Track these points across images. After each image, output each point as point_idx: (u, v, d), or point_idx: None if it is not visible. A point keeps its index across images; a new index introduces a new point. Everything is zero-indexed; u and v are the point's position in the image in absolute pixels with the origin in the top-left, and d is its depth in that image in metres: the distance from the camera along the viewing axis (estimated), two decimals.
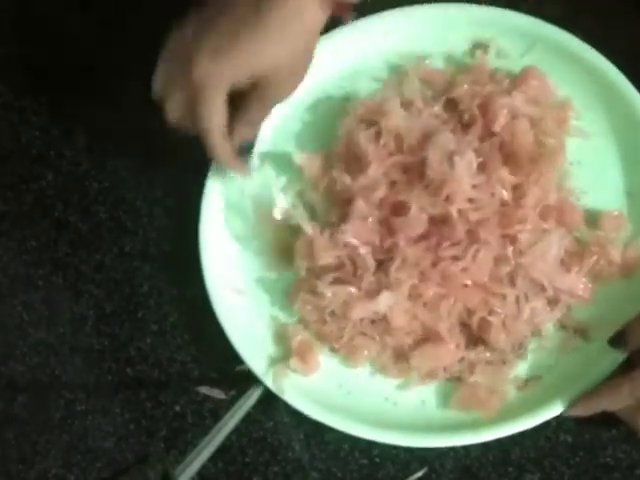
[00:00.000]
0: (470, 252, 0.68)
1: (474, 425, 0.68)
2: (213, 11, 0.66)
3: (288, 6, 0.64)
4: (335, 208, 0.73)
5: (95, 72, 0.83)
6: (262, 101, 0.68)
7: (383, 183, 0.71)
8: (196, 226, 0.74)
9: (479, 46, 0.77)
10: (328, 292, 0.69)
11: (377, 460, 0.70)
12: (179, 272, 0.76)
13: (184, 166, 0.76)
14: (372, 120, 0.74)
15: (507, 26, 0.76)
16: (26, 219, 0.80)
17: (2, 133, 0.83)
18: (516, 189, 0.70)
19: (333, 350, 0.71)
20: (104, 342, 0.76)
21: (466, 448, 0.69)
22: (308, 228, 0.71)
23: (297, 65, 0.67)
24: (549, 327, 0.70)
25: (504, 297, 0.69)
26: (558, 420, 0.68)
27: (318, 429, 0.70)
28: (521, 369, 0.70)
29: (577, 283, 0.70)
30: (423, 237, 0.69)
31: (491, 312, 0.68)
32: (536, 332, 0.70)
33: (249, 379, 0.71)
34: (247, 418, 0.71)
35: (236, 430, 0.71)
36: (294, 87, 0.69)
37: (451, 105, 0.74)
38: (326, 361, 0.72)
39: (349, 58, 0.78)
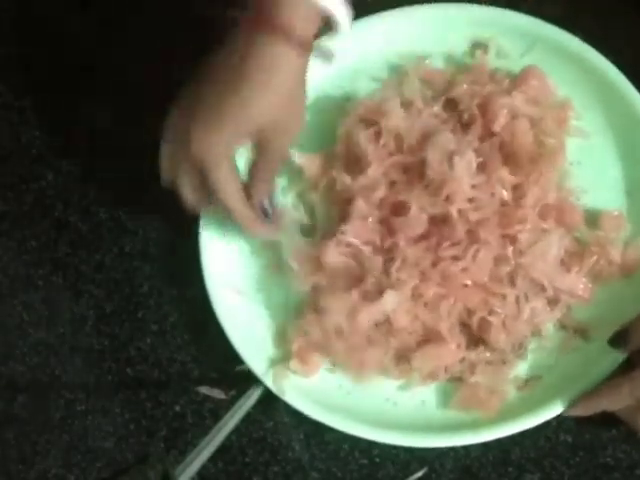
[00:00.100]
0: (470, 252, 0.68)
1: (474, 425, 0.68)
2: (199, 81, 0.65)
3: (265, 61, 0.63)
4: (335, 208, 0.73)
5: (95, 72, 0.83)
6: (267, 156, 0.67)
7: (383, 183, 0.71)
8: (196, 226, 0.74)
9: (479, 46, 0.77)
10: (333, 304, 0.69)
11: (377, 460, 0.70)
12: (179, 272, 0.76)
13: None
14: (372, 120, 0.74)
15: (507, 26, 0.76)
16: (26, 219, 0.80)
17: (2, 133, 0.83)
18: (516, 189, 0.70)
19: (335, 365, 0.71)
20: (104, 342, 0.76)
21: (466, 448, 0.69)
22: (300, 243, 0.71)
23: (290, 114, 0.66)
24: (549, 327, 0.70)
25: (504, 297, 0.68)
26: (558, 420, 0.68)
27: (318, 429, 0.70)
28: (521, 369, 0.70)
29: (577, 283, 0.70)
30: (423, 237, 0.69)
31: (491, 312, 0.68)
32: (536, 332, 0.70)
33: (249, 379, 0.71)
34: (247, 418, 0.71)
35: (236, 430, 0.71)
36: (294, 135, 0.68)
37: (451, 105, 0.74)
38: (326, 362, 0.71)
39: (349, 58, 0.77)
